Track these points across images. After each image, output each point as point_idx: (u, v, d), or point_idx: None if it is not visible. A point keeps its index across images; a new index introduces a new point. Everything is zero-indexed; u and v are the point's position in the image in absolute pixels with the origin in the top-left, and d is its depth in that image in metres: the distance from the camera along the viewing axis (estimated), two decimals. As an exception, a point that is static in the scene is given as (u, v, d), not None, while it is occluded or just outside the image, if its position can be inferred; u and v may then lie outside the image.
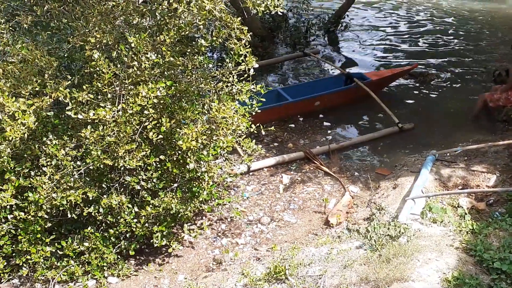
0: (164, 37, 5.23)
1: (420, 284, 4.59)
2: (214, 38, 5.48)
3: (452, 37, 13.32)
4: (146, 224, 5.52)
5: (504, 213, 5.95)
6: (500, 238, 5.31)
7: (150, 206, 5.39)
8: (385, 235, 5.43)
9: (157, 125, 5.23)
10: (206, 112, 5.61)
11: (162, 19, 5.44)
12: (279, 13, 5.75)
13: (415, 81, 10.82)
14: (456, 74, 11.10)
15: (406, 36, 13.59)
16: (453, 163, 7.28)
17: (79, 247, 5.41)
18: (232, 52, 5.55)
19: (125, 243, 5.65)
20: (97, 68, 5.02)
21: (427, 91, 10.41)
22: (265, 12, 5.75)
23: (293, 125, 9.10)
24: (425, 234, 5.49)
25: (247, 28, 5.51)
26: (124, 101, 5.13)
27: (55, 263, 5.44)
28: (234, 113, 5.50)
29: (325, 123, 9.17)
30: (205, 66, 5.88)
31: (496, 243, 5.22)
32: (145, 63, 5.11)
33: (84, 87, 5.04)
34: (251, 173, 7.59)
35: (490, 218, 5.89)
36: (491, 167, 7.12)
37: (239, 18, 5.46)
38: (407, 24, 14.41)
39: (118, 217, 5.39)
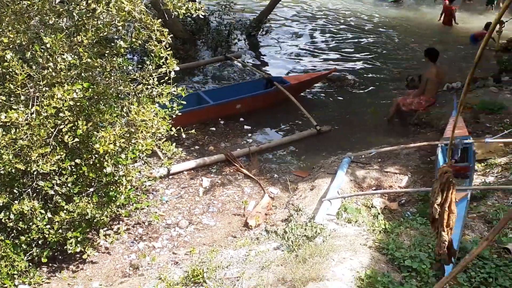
0: (82, 38, 5.10)
1: (335, 283, 4.70)
2: (134, 40, 5.41)
3: (368, 44, 13.82)
4: (60, 230, 5.33)
5: (415, 212, 6.21)
6: (411, 236, 5.53)
7: (64, 211, 5.21)
8: (302, 236, 5.53)
9: (73, 128, 5.08)
10: (125, 114, 5.51)
11: (79, 19, 5.30)
12: (201, 16, 5.75)
13: (333, 86, 11.13)
14: (371, 79, 11.52)
15: (325, 42, 13.98)
16: (368, 165, 7.54)
17: (-12, 255, 5.16)
18: (152, 54, 5.50)
19: (37, 250, 5.43)
20: (10, 69, 4.83)
21: (344, 95, 10.74)
22: (186, 15, 5.73)
23: (214, 128, 9.11)
24: (340, 234, 5.63)
25: (167, 30, 5.48)
26: (38, 103, 4.95)
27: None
28: (154, 116, 5.45)
29: (245, 126, 9.25)
30: (124, 68, 5.79)
31: (407, 242, 5.44)
32: (61, 64, 4.96)
33: (-4, 88, 4.84)
34: (171, 177, 7.53)
35: (402, 218, 6.12)
36: (403, 168, 7.42)
37: (160, 20, 5.42)
38: (326, 31, 14.82)
39: (30, 224, 5.17)
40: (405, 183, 7.07)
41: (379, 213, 6.15)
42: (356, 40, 14.06)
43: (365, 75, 11.80)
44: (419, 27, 15.09)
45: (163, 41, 5.41)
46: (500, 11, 2.25)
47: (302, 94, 10.50)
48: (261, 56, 13.00)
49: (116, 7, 5.09)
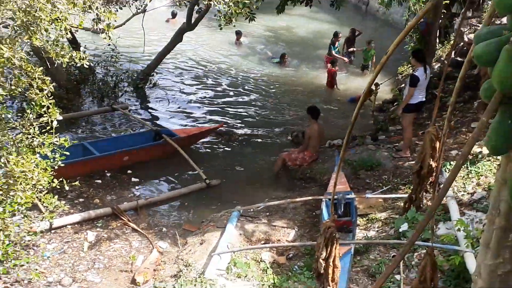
0: (-43, 84, 4.82)
1: None
2: (13, 87, 5.18)
3: (255, 99, 14.22)
4: None
5: (303, 266, 6.34)
6: (299, 290, 5.64)
7: None
8: (192, 292, 5.46)
9: None
10: (3, 165, 5.21)
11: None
12: (85, 65, 5.65)
13: (221, 140, 11.25)
14: (258, 134, 11.80)
15: (213, 95, 14.18)
16: (256, 219, 7.64)
17: None
18: (33, 103, 5.28)
19: None
20: None
21: (232, 149, 10.89)
22: (71, 64, 5.61)
23: (100, 181, 8.81)
24: (230, 289, 5.63)
25: (49, 78, 5.31)
26: None
27: None
28: (34, 167, 5.19)
29: (133, 179, 9.05)
30: (3, 116, 5.50)
31: (296, 296, 5.53)
32: None
33: None
34: (53, 231, 7.13)
35: (290, 272, 6.23)
36: (291, 222, 7.60)
37: (41, 68, 5.24)
38: (215, 84, 15.08)
39: None
40: (292, 237, 7.22)
41: (268, 267, 6.22)
42: (243, 96, 14.40)
43: (252, 130, 12.07)
44: (306, 85, 15.78)
45: (45, 89, 5.23)
46: (373, 74, 2.44)
47: (191, 147, 10.51)
48: (150, 109, 12.90)
49: (-5, 54, 4.88)
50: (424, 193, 2.88)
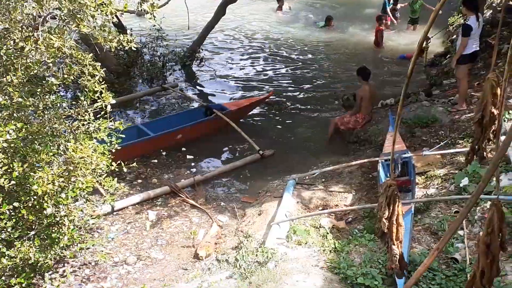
0: (11, 77, 4.94)
1: (290, 307, 4.68)
2: (66, 76, 5.28)
3: (303, 66, 14.07)
4: (3, 278, 5.09)
5: (363, 229, 6.29)
6: (361, 254, 5.59)
7: (6, 257, 4.98)
8: (254, 262, 5.49)
9: (9, 170, 4.88)
10: (62, 153, 5.34)
11: (8, 59, 5.13)
12: (133, 48, 5.68)
13: (272, 109, 11.21)
14: (309, 101, 11.69)
15: (260, 66, 14.13)
16: (312, 186, 7.60)
17: None
18: (86, 90, 5.38)
19: (-20, 301, 5.16)
20: None
21: (283, 119, 10.84)
22: (119, 48, 5.66)
23: (156, 160, 8.96)
24: (291, 257, 5.63)
25: (100, 64, 5.39)
26: (-31, 147, 4.74)
27: None
28: (92, 152, 5.32)
29: (188, 156, 9.15)
30: (58, 105, 5.63)
31: (357, 259, 5.49)
32: (-10, 105, 4.79)
33: None
34: (115, 213, 7.32)
35: (350, 236, 6.18)
36: (347, 186, 7.53)
37: (91, 55, 5.32)
38: (261, 55, 15.00)
39: (-30, 273, 4.92)
40: (350, 201, 7.16)
41: (327, 233, 6.19)
42: (289, 64, 14.29)
43: (302, 97, 11.98)
44: (349, 48, 15.50)
45: (96, 75, 5.31)
46: (425, 28, 2.32)
47: (242, 120, 10.52)
48: (199, 85, 12.98)
49: (45, 44, 4.96)
50: (487, 143, 2.76)
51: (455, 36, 14.19)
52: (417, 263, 5.00)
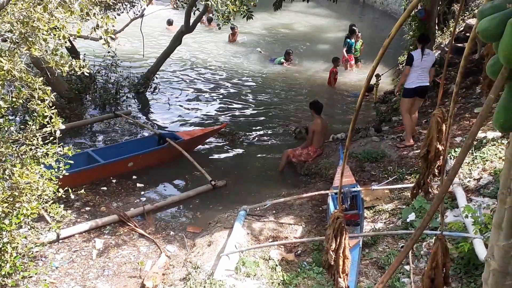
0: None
1: None
2: (14, 99, 5.17)
3: (257, 99, 14.21)
4: None
5: (311, 262, 6.32)
6: (309, 287, 5.62)
7: None
8: (202, 294, 5.43)
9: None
10: (8, 177, 5.20)
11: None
12: (86, 74, 5.63)
13: (225, 140, 11.24)
14: (262, 133, 11.79)
15: (215, 97, 14.18)
16: (263, 217, 7.61)
17: None
18: (36, 114, 5.28)
19: None
20: None
21: (237, 150, 10.88)
22: (71, 73, 5.60)
23: (105, 188, 8.80)
24: (240, 288, 5.60)
25: (50, 88, 5.30)
26: None
27: None
28: (39, 177, 5.19)
29: (138, 185, 9.03)
30: (5, 129, 5.50)
31: (306, 292, 5.50)
32: None
33: None
34: (61, 241, 7.12)
35: (299, 268, 6.20)
36: (298, 218, 7.57)
37: (42, 78, 5.24)
38: (215, 86, 15.06)
39: None
40: (300, 234, 7.19)
41: (277, 265, 6.19)
42: (244, 95, 14.42)
43: (255, 128, 12.06)
44: (306, 82, 15.78)
45: (46, 99, 5.22)
46: (373, 63, 2.39)
47: (195, 149, 10.49)
48: (152, 113, 12.90)
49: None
50: (432, 178, 2.84)
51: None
52: (364, 297, 5.04)
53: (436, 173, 2.79)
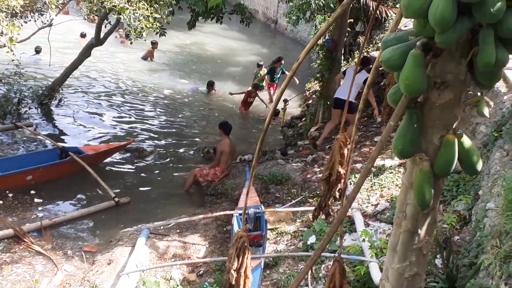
0: None
1: None
2: None
3: (167, 115, 14.11)
4: None
5: (213, 283, 6.32)
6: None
7: None
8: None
9: None
10: None
11: None
12: (-14, 80, 5.36)
13: (132, 156, 11.04)
14: (170, 151, 11.71)
15: (123, 113, 13.92)
16: (167, 236, 7.53)
17: None
18: None
19: None
20: None
21: (142, 166, 10.72)
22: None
23: (0, 202, 8.34)
24: (139, 309, 5.48)
25: None
26: None
27: None
28: None
29: (36, 200, 8.65)
30: None
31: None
32: None
33: None
34: None
35: (200, 289, 6.17)
36: (202, 238, 7.56)
37: None
38: (123, 100, 14.80)
39: None
40: (203, 253, 7.18)
41: (178, 285, 6.14)
42: (153, 112, 14.27)
43: (163, 146, 11.96)
44: (214, 103, 15.86)
45: None
46: (282, 87, 2.47)
47: (100, 164, 10.21)
48: (55, 126, 12.43)
49: None
50: (333, 201, 2.94)
51: (311, 101, 15.08)
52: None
53: (337, 196, 2.89)
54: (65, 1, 12.49)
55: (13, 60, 10.45)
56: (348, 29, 13.05)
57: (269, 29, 28.75)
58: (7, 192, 8.63)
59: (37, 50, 16.42)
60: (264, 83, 15.82)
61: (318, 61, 12.39)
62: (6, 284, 6.39)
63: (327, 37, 11.58)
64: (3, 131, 11.16)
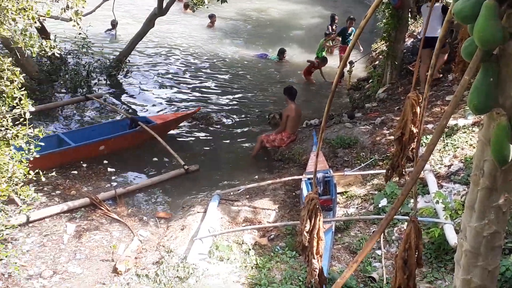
0: None
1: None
2: (-18, 80, 5.06)
3: (231, 83, 14.15)
4: None
5: (284, 246, 6.36)
6: (282, 270, 5.65)
7: None
8: (175, 277, 5.43)
9: None
10: (-24, 159, 5.08)
11: None
12: (56, 54, 5.52)
13: (199, 124, 11.18)
14: (236, 118, 11.76)
15: (190, 81, 14.06)
16: (237, 202, 7.62)
17: None
18: (5, 95, 5.16)
19: None
20: None
21: (210, 134, 10.83)
22: (41, 54, 5.48)
23: (76, 172, 8.65)
24: (213, 272, 5.61)
25: (19, 69, 5.19)
26: None
27: None
28: (9, 159, 5.08)
29: (109, 169, 8.90)
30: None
31: (278, 276, 5.54)
32: None
33: None
34: (31, 224, 7.00)
35: (272, 253, 6.23)
36: (271, 203, 7.60)
37: (10, 59, 5.12)
38: (188, 69, 14.94)
39: None
40: (273, 218, 7.22)
41: (250, 249, 6.21)
42: (219, 80, 14.33)
43: (229, 113, 12.02)
44: (279, 69, 15.75)
45: (15, 80, 5.11)
46: (346, 51, 2.40)
47: (168, 133, 10.41)
48: (124, 96, 12.72)
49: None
50: (406, 161, 2.87)
51: (377, 62, 14.72)
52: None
53: (410, 156, 2.82)
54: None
55: (79, 33, 10.72)
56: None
57: (331, -10, 28.17)
58: (81, 162, 8.93)
59: (113, 24, 16.37)
60: (324, 53, 15.42)
61: (384, 20, 12.04)
62: (85, 250, 6.66)
63: (392, -5, 11.20)
64: (75, 103, 11.54)
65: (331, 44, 16.01)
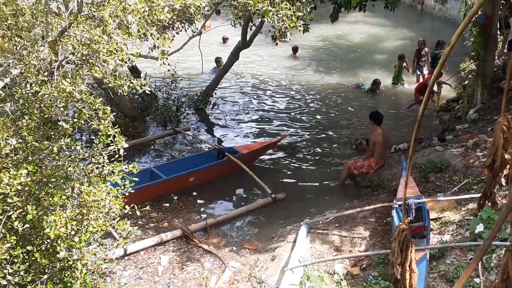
0: (27, 121, 5.01)
1: None
2: (76, 120, 5.35)
3: (315, 110, 14.13)
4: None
5: (377, 276, 6.19)
6: (376, 300, 5.50)
7: (17, 302, 4.94)
8: (267, 308, 5.41)
9: (23, 213, 4.88)
10: (76, 196, 5.35)
11: (24, 103, 5.22)
12: (147, 91, 5.75)
13: (284, 153, 11.23)
14: (321, 145, 11.71)
15: (272, 110, 14.20)
16: (326, 230, 7.53)
17: None
18: (100, 133, 5.43)
19: None
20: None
21: (295, 162, 10.84)
22: (133, 92, 5.73)
23: (167, 204, 8.93)
24: (305, 303, 5.55)
25: (109, 108, 5.44)
26: (-16, 191, 4.76)
27: None
28: (106, 195, 5.31)
29: (199, 201, 9.12)
30: (72, 148, 5.67)
31: (372, 306, 5.39)
32: (5, 149, 4.83)
33: None
34: (127, 257, 7.26)
35: (364, 282, 6.09)
36: (361, 231, 7.45)
37: (101, 99, 5.38)
38: (272, 100, 15.09)
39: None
40: (364, 247, 7.07)
41: (342, 279, 6.10)
42: (302, 108, 14.37)
43: (314, 141, 12.00)
44: (363, 94, 15.57)
45: (106, 119, 5.35)
46: (435, 73, 2.34)
47: (254, 163, 10.53)
48: (211, 129, 13.05)
49: (57, 89, 5.05)
50: (499, 188, 2.74)
51: (467, 81, 14.24)
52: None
53: (503, 183, 2.69)
54: (209, 12, 12.97)
55: (168, 70, 11.12)
56: (503, 1, 12.13)
57: (415, 11, 27.69)
58: (172, 194, 9.20)
59: (218, 61, 16.46)
60: (403, 76, 15.15)
61: (472, 39, 11.66)
62: (178, 282, 6.80)
63: (479, 13, 10.85)
64: (165, 137, 11.96)
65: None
